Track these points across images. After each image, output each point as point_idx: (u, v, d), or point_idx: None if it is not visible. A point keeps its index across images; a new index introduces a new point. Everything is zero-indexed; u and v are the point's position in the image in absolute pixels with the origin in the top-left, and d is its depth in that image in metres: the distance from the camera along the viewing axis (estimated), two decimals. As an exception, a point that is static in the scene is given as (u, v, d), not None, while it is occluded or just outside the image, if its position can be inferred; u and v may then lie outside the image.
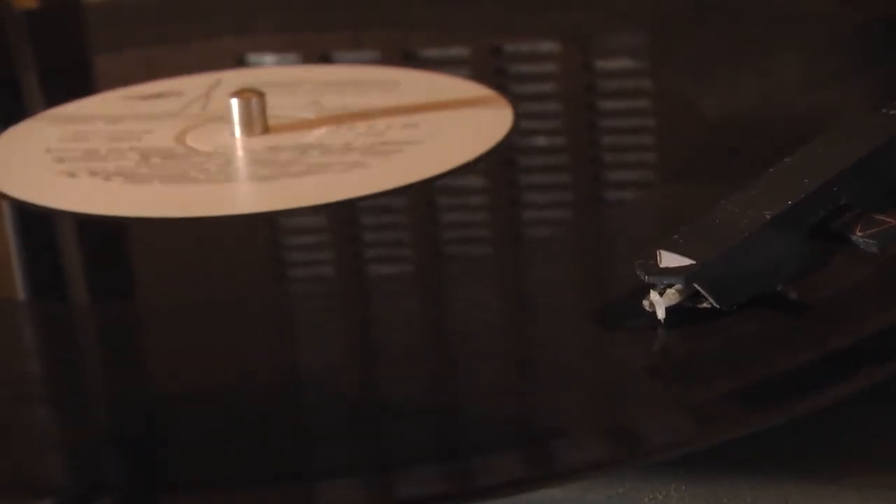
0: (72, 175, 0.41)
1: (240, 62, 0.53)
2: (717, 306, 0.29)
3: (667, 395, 0.28)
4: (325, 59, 0.51)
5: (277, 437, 0.27)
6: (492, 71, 0.48)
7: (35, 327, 0.34)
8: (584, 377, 0.29)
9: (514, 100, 0.44)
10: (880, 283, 0.31)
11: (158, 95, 0.47)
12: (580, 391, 0.28)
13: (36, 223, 0.39)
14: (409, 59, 0.50)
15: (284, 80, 0.47)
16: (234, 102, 0.42)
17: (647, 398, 0.28)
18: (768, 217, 0.30)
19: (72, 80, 0.53)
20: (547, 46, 0.51)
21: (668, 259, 0.30)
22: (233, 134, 0.42)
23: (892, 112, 0.32)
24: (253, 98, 0.42)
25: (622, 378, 0.29)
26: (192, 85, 0.48)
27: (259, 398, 0.29)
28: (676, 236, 0.30)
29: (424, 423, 0.27)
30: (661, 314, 0.30)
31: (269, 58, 0.53)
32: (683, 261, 0.29)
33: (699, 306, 0.30)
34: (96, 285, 0.36)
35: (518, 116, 0.42)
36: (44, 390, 0.31)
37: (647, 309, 0.30)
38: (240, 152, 0.42)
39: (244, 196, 0.39)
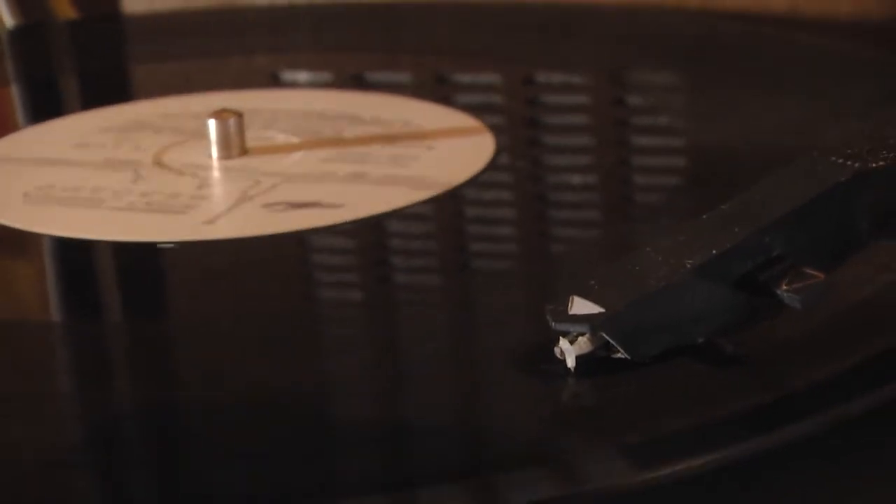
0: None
1: (274, 79, 0.53)
2: (628, 357, 0.28)
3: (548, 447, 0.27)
4: (356, 79, 0.51)
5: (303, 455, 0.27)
6: (509, 102, 0.48)
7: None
8: (470, 421, 0.28)
9: (500, 131, 0.43)
10: (804, 339, 0.29)
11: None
12: (461, 437, 0.27)
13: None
14: (437, 85, 0.50)
15: (275, 104, 0.46)
16: (211, 123, 0.42)
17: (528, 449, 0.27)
18: (689, 266, 0.29)
19: (107, 88, 0.53)
20: (549, 79, 0.50)
21: (580, 306, 0.28)
22: (209, 155, 0.42)
23: (839, 160, 0.30)
24: (230, 119, 0.42)
25: (501, 427, 0.27)
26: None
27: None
28: (592, 282, 0.29)
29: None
30: (570, 363, 0.28)
31: (300, 78, 0.53)
32: (594, 308, 0.28)
33: (613, 356, 0.28)
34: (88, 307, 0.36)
35: (498, 149, 0.41)
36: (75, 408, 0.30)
37: (559, 357, 0.28)
38: (214, 174, 0.41)
39: (212, 221, 0.39)
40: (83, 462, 0.27)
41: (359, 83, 0.50)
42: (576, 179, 0.41)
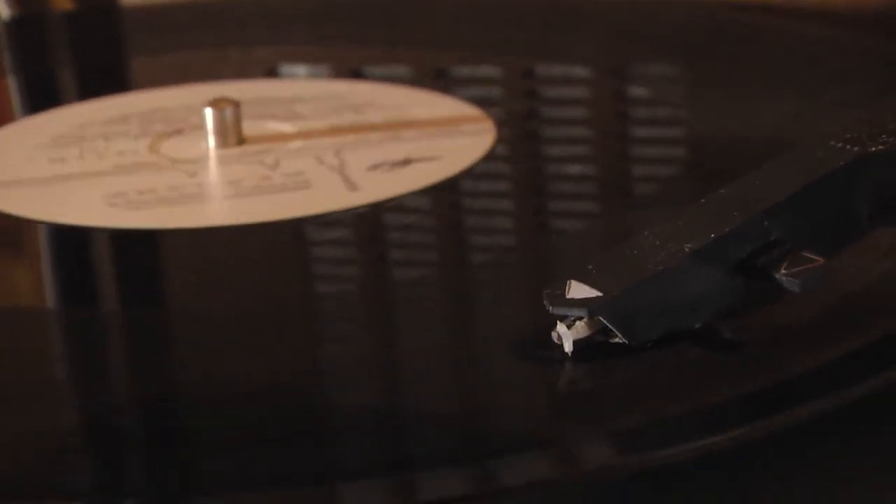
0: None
1: (270, 72, 0.52)
2: (625, 341, 0.28)
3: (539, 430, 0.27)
4: (354, 74, 0.51)
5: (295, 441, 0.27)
6: (508, 93, 0.48)
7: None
8: (464, 406, 0.28)
9: (500, 121, 0.43)
10: (803, 324, 0.29)
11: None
12: (458, 422, 0.27)
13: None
14: (438, 77, 0.49)
15: (272, 94, 0.46)
16: (208, 112, 0.41)
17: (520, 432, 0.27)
18: (687, 250, 0.28)
19: (104, 80, 0.53)
20: (549, 71, 0.50)
21: (577, 290, 0.28)
22: (206, 145, 0.42)
23: (839, 145, 0.30)
24: (227, 108, 0.41)
25: (498, 411, 0.27)
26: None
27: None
28: (590, 266, 0.29)
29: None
30: (567, 347, 0.28)
31: (298, 69, 0.53)
32: (591, 292, 0.28)
33: (611, 341, 0.28)
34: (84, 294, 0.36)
35: (499, 138, 0.41)
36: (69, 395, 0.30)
37: (556, 341, 0.28)
38: (211, 163, 0.41)
39: (208, 209, 0.39)
40: (88, 448, 0.27)
41: (356, 74, 0.50)
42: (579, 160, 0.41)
